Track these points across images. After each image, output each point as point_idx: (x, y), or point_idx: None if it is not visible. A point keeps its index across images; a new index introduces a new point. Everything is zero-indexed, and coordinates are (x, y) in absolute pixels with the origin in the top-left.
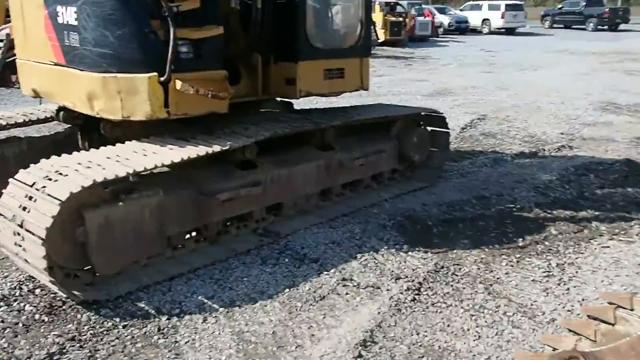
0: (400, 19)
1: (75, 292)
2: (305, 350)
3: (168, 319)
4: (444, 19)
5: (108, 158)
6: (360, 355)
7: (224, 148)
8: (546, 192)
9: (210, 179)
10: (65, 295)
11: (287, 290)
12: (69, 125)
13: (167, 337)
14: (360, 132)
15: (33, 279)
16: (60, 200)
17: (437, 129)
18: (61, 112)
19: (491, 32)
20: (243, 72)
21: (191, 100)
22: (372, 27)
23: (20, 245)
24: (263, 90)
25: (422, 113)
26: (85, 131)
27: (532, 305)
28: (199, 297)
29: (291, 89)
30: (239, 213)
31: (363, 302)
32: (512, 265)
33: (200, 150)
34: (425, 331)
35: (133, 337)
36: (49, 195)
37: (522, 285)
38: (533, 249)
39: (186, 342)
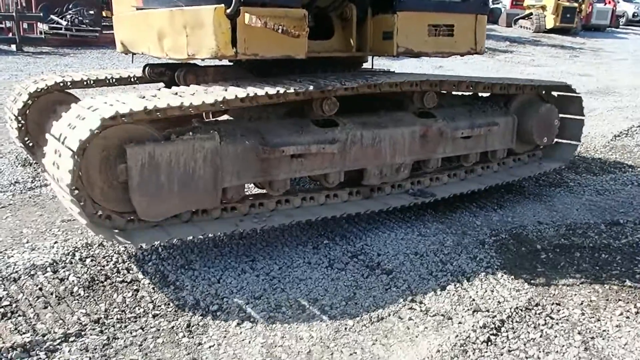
0: (576, 4)
1: (107, 232)
2: None
3: (202, 315)
4: (628, 8)
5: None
6: None
7: (279, 91)
8: None
9: (278, 131)
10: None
11: (343, 302)
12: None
13: (192, 337)
14: (474, 104)
15: (89, 247)
16: (103, 117)
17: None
18: (147, 69)
19: None
20: (337, 26)
21: (263, 40)
22: None
23: (55, 164)
24: (358, 47)
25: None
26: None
27: None
28: (245, 295)
29: (388, 44)
30: (310, 174)
31: (426, 332)
32: (628, 317)
33: (250, 91)
34: None
35: (158, 329)
36: (96, 112)
37: (635, 346)
38: None
39: (210, 346)
